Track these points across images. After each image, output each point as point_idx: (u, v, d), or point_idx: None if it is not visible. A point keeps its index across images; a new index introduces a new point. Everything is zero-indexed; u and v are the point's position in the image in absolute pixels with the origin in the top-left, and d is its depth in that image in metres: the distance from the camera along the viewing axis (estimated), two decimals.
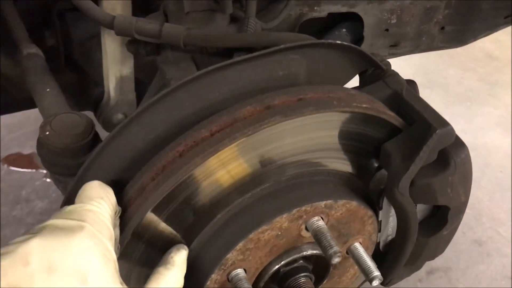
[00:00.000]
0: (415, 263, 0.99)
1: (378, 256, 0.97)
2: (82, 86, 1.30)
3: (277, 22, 1.09)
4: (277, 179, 0.81)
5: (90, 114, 1.19)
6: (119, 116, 1.21)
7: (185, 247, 0.76)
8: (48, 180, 2.18)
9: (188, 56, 0.92)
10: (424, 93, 2.70)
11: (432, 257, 1.00)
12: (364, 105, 0.80)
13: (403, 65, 2.85)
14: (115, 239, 0.68)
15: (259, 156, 0.78)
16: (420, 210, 0.94)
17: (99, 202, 0.64)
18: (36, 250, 0.56)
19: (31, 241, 0.57)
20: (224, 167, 0.76)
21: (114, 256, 0.62)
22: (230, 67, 0.78)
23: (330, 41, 0.84)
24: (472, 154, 0.89)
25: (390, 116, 0.83)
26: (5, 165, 2.41)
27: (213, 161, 0.74)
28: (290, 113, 0.74)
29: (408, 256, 0.95)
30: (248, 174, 0.79)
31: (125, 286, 0.63)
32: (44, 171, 2.22)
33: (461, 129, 2.25)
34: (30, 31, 1.17)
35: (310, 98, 0.78)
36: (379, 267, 0.97)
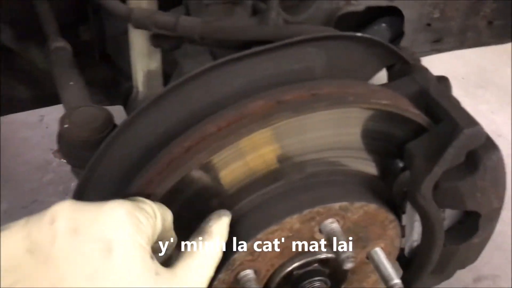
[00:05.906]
0: (444, 272, 0.93)
1: (404, 262, 0.92)
2: (115, 81, 1.32)
3: (306, 15, 1.05)
4: (291, 178, 0.77)
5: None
6: None
7: (228, 212, 0.72)
8: None
9: (206, 50, 0.90)
10: (478, 93, 2.57)
11: (463, 266, 0.93)
12: (383, 102, 0.75)
13: (456, 64, 2.71)
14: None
15: (275, 151, 0.75)
16: (450, 216, 0.88)
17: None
18: (64, 211, 0.55)
19: (63, 202, 0.56)
20: (239, 159, 0.73)
21: (148, 229, 0.59)
22: (242, 60, 0.75)
23: (350, 33, 0.79)
24: None
25: (414, 114, 0.78)
26: (57, 158, 2.49)
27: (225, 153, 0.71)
28: (301, 108, 0.70)
29: (436, 264, 0.89)
30: (260, 170, 0.76)
31: (156, 262, 0.59)
32: None
33: None
34: (65, 26, 1.19)
35: (325, 93, 0.74)
36: (404, 273, 0.93)
